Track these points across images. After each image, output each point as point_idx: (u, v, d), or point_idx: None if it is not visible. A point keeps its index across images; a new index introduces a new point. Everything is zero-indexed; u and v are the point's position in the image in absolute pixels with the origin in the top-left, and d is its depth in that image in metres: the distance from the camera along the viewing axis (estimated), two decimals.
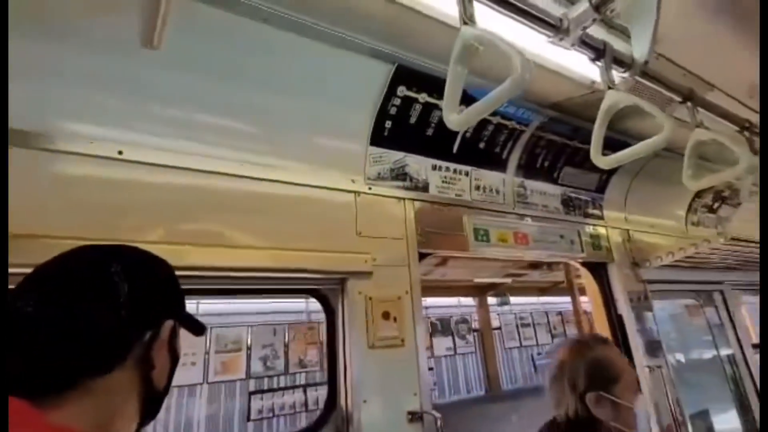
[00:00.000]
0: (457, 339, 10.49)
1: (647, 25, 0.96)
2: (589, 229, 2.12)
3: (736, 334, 3.04)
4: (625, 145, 2.06)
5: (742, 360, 3.03)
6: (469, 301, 11.05)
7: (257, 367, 7.00)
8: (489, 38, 0.69)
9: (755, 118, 1.53)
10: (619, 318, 2.09)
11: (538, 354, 11.68)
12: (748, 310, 3.39)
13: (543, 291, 12.06)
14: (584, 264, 2.12)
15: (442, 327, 10.26)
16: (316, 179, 1.37)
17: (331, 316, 1.35)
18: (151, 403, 0.60)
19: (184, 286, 1.09)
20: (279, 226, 1.27)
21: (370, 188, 1.47)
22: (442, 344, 10.02)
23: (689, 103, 1.23)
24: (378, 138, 1.47)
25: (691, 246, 2.02)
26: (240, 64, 1.19)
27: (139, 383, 0.57)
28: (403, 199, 1.54)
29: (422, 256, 1.54)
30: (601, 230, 2.18)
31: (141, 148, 1.10)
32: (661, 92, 1.18)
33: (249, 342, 7.13)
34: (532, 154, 1.88)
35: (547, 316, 12.57)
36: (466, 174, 1.72)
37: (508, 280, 9.86)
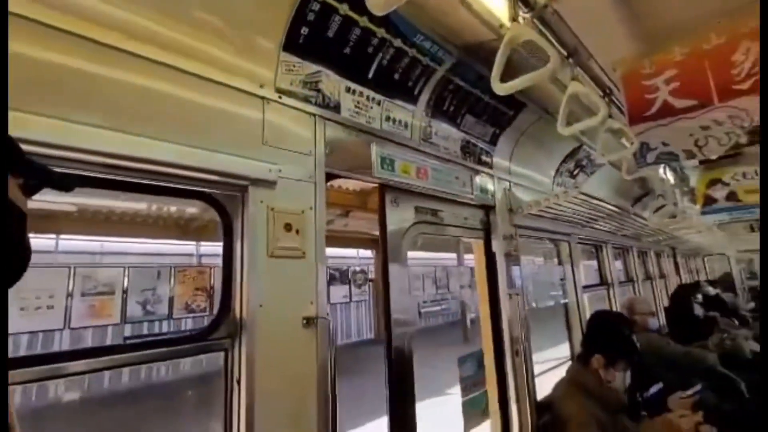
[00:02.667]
0: (353, 288, 11.03)
1: None
2: (481, 176, 2.38)
3: (574, 278, 3.81)
4: (517, 102, 2.30)
5: (575, 300, 3.83)
6: (367, 253, 11.59)
7: (135, 311, 6.39)
8: None
9: (614, 88, 1.85)
10: (494, 255, 2.45)
11: (424, 302, 13.03)
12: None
13: (433, 247, 13.28)
14: (474, 206, 2.39)
15: (340, 276, 10.63)
16: (221, 75, 1.24)
17: (228, 225, 1.29)
18: None
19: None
20: (174, 117, 1.14)
21: (280, 97, 1.39)
22: (339, 292, 10.43)
23: (571, 60, 1.43)
24: (292, 44, 1.39)
25: (555, 197, 2.43)
26: None
27: None
28: (314, 115, 1.50)
29: (329, 177, 1.55)
30: (489, 178, 2.46)
31: None
32: (552, 42, 1.34)
33: (125, 285, 6.41)
34: (441, 96, 1.99)
35: (435, 270, 13.98)
36: (379, 103, 1.75)
37: None
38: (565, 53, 1.42)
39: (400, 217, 1.90)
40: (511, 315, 2.33)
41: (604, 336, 2.41)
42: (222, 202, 1.29)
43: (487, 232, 2.46)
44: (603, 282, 4.49)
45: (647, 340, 3.41)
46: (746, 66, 1.51)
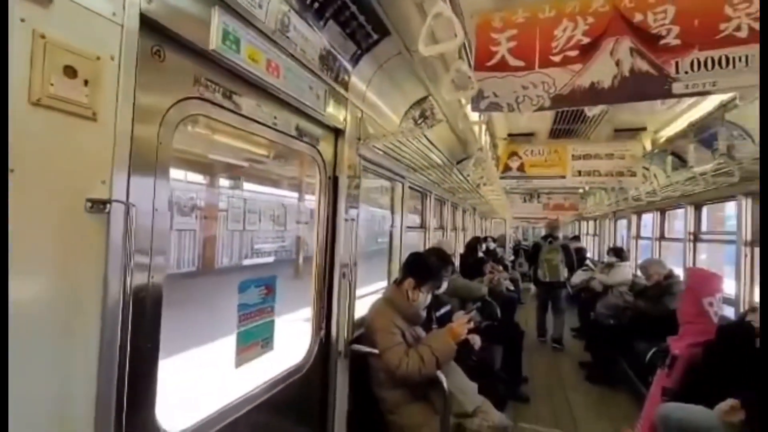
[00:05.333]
0: (177, 216, 9.70)
1: None
2: (336, 95, 2.27)
3: (402, 219, 4.23)
4: (383, 28, 2.23)
5: (399, 238, 4.27)
6: (198, 178, 10.26)
7: None
8: None
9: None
10: (338, 179, 2.45)
11: (259, 237, 12.64)
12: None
13: (275, 183, 12.84)
14: (325, 126, 2.29)
15: None
16: None
17: None
18: None
19: None
20: None
21: None
22: None
23: None
24: None
25: (400, 132, 2.55)
26: None
27: None
28: None
29: (146, 25, 1.18)
30: (344, 101, 2.38)
31: None
32: None
33: None
34: None
35: (274, 208, 13.62)
36: None
37: (246, 164, 9.74)
38: None
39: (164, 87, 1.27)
40: (345, 240, 2.42)
41: (419, 263, 2.81)
42: None
43: (334, 155, 2.43)
44: (423, 226, 5.18)
45: None
46: (561, 42, 1.82)
